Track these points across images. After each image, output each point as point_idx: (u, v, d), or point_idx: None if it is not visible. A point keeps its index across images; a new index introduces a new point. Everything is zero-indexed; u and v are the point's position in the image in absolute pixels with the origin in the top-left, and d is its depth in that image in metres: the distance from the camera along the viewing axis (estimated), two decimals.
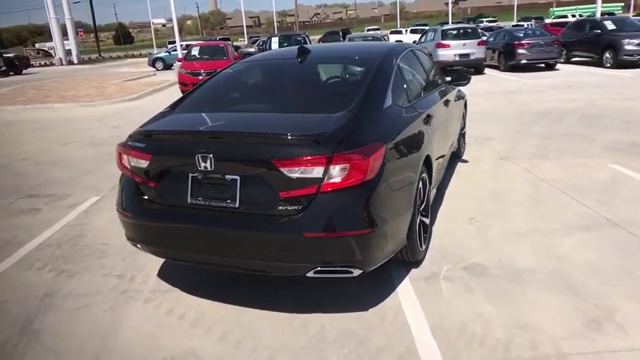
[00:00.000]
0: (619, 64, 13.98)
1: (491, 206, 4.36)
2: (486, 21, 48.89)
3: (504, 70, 15.79)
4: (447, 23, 35.21)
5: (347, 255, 2.49)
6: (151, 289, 3.24)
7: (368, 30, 51.62)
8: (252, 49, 29.43)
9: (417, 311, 2.78)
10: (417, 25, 41.53)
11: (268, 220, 2.53)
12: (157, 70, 27.38)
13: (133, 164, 2.89)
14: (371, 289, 3.04)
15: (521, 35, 15.68)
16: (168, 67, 27.54)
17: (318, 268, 2.52)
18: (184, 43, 23.00)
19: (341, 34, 30.78)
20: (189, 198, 2.70)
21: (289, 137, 2.48)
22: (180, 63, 16.23)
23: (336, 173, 2.42)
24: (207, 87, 3.56)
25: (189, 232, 2.71)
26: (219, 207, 2.63)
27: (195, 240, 2.73)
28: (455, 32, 15.67)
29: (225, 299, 3.05)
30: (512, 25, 29.87)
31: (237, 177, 2.57)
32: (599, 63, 14.83)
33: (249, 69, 3.91)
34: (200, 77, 14.55)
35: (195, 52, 15.91)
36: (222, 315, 2.89)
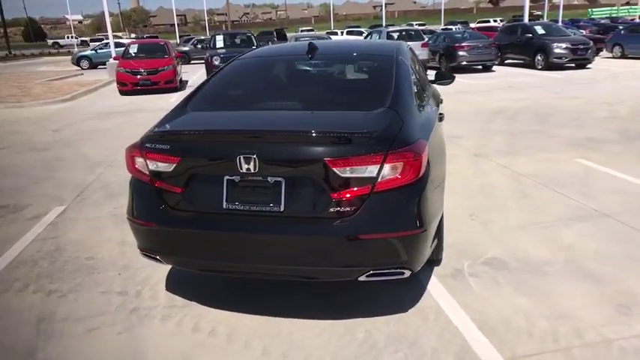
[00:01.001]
0: (549, 67, 15.10)
1: (485, 201, 4.49)
2: (416, 24, 50.79)
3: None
4: (381, 25, 36.19)
5: (400, 256, 2.42)
6: (164, 305, 2.97)
7: (302, 31, 51.79)
8: (185, 48, 28.40)
9: (456, 309, 2.78)
10: (351, 27, 42.29)
11: (318, 223, 2.39)
12: (83, 69, 25.61)
13: (152, 168, 2.61)
14: (402, 290, 2.99)
15: (461, 38, 16.45)
16: (94, 66, 25.88)
17: (371, 272, 2.42)
18: (116, 41, 21.65)
19: (275, 34, 30.46)
20: (224, 203, 2.48)
21: (343, 135, 2.36)
22: (116, 61, 15.26)
23: (391, 172, 2.34)
24: (219, 83, 3.32)
25: (225, 239, 2.51)
26: (261, 212, 2.44)
27: (231, 248, 2.52)
28: (399, 34, 16.12)
29: (251, 310, 2.87)
30: (442, 29, 31.27)
31: (282, 179, 2.40)
32: (531, 65, 15.92)
33: (259, 65, 3.70)
34: (139, 77, 13.82)
35: (133, 50, 15.04)
36: (254, 327, 2.71)
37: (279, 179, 2.40)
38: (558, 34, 15.78)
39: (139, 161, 2.67)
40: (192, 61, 26.70)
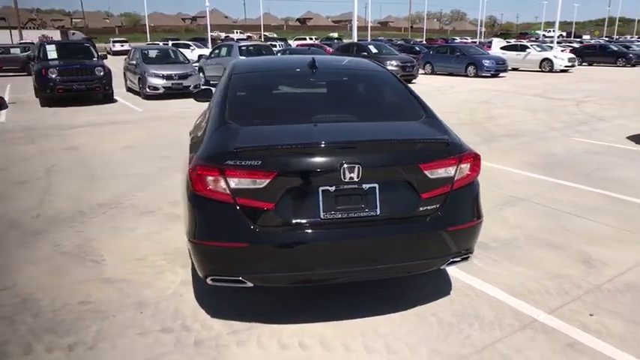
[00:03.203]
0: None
1: None
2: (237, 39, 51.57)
3: None
4: (203, 39, 35.80)
5: (469, 243, 2.85)
6: (227, 332, 2.81)
7: (114, 42, 47.73)
8: None
9: (483, 284, 3.32)
10: (169, 40, 40.87)
11: (412, 221, 2.66)
12: None
13: (235, 186, 2.50)
14: (431, 279, 3.38)
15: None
16: None
17: (450, 260, 2.79)
18: None
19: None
20: (321, 213, 2.55)
21: (431, 142, 2.68)
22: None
23: (462, 171, 2.75)
24: (240, 99, 3.24)
25: (326, 248, 2.57)
26: (359, 217, 2.59)
27: (331, 256, 2.60)
28: (252, 48, 16.45)
29: (316, 317, 2.94)
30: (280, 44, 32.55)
31: (376, 184, 2.59)
32: None
33: (268, 78, 3.66)
34: None
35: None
36: (337, 331, 2.81)
37: (374, 185, 2.59)
38: (388, 53, 18.22)
39: (215, 180, 2.53)
40: None
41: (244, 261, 2.57)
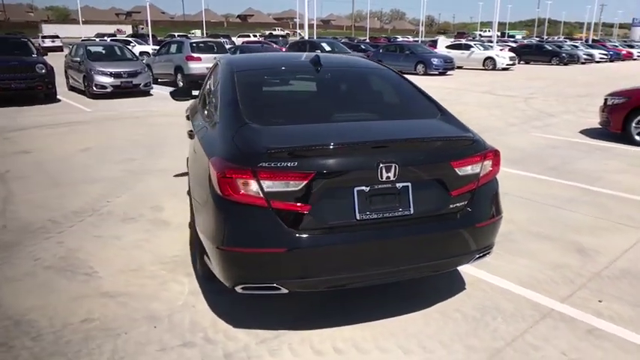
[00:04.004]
0: None
1: None
2: (178, 36, 49.89)
3: None
4: (143, 36, 34.39)
5: (492, 238, 2.90)
6: (255, 342, 2.69)
7: (44, 37, 44.66)
8: None
9: (493, 277, 3.40)
10: (106, 36, 38.87)
11: (443, 219, 2.66)
12: None
13: (269, 189, 2.39)
14: (442, 276, 3.42)
15: (265, 51, 17.35)
16: None
17: (477, 256, 2.83)
18: None
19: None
20: (357, 214, 2.49)
21: (458, 139, 2.70)
22: None
23: (486, 168, 2.79)
24: (253, 98, 3.10)
25: (362, 249, 2.51)
26: (393, 217, 2.55)
27: (368, 257, 2.55)
28: (203, 45, 15.96)
29: (342, 321, 2.89)
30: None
31: (409, 183, 2.57)
32: None
33: (272, 77, 3.52)
34: None
35: None
36: (368, 334, 2.77)
37: (407, 184, 2.57)
38: (341, 51, 18.35)
39: (247, 183, 2.40)
40: None
41: (281, 267, 2.47)
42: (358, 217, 2.51)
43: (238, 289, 2.55)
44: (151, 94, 14.36)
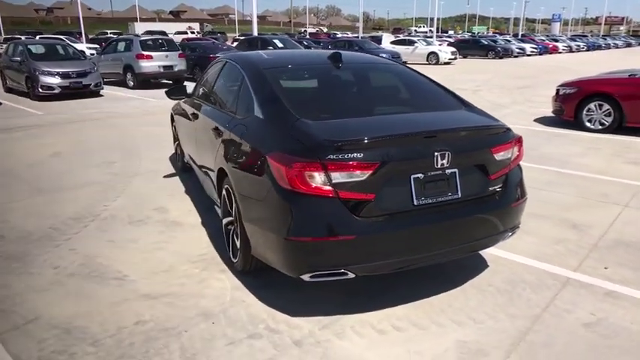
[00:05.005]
0: None
1: None
2: (110, 33, 47.47)
3: None
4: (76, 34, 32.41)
5: (519, 218, 3.19)
6: (319, 328, 2.81)
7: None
8: None
9: (509, 254, 3.71)
10: (33, 34, 36.22)
11: (485, 201, 2.91)
12: None
13: (337, 180, 2.52)
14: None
15: (215, 48, 17.04)
16: None
17: (509, 234, 3.11)
18: None
19: None
20: (414, 200, 2.68)
21: (496, 128, 2.96)
22: None
23: (515, 153, 3.08)
24: (297, 95, 3.20)
25: (420, 233, 2.71)
26: (445, 201, 2.77)
27: (425, 240, 2.74)
28: (152, 43, 15.45)
29: (389, 300, 3.06)
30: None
31: (456, 169, 2.79)
32: None
33: (299, 73, 3.61)
34: None
35: None
36: (418, 311, 2.96)
37: (454, 170, 2.79)
38: (292, 47, 18.40)
39: (316, 175, 2.51)
40: None
41: (350, 253, 2.60)
42: (415, 203, 2.70)
43: (306, 277, 2.66)
44: (102, 95, 13.76)
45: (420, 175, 2.70)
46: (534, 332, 2.77)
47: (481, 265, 3.57)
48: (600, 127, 8.27)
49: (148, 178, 5.86)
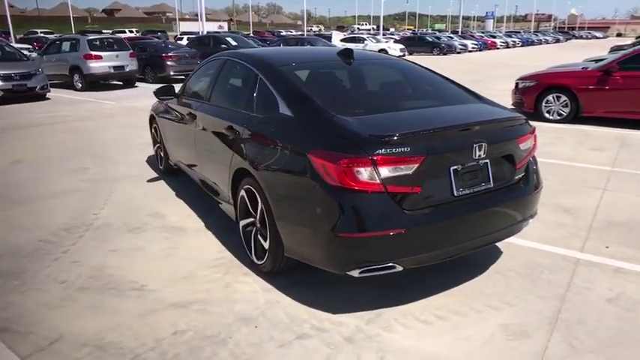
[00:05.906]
0: None
1: None
2: (41, 32, 44.56)
3: (154, 82, 16.20)
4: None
5: (537, 205, 3.34)
6: (365, 323, 2.81)
7: None
8: None
9: (520, 241, 3.86)
10: None
11: (513, 190, 3.03)
12: None
13: (385, 175, 2.53)
14: None
15: (167, 48, 16.44)
16: None
17: (530, 221, 3.25)
18: None
19: None
20: (454, 191, 2.75)
21: (518, 119, 3.10)
22: None
23: (532, 143, 3.23)
24: (323, 92, 3.17)
25: (462, 223, 2.77)
26: (480, 191, 2.85)
27: (465, 229, 2.81)
28: (99, 43, 14.67)
29: (422, 292, 3.12)
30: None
31: (488, 160, 2.88)
32: None
33: (324, 71, 3.55)
34: None
35: None
36: (453, 299, 3.04)
37: (486, 160, 2.89)
38: (247, 46, 18.14)
39: (364, 171, 2.52)
40: None
41: (399, 246, 2.62)
42: (456, 194, 2.77)
43: (355, 273, 2.66)
44: (49, 98, 12.93)
45: (458, 167, 2.77)
46: (566, 311, 2.93)
47: (496, 251, 3.71)
48: (558, 117, 8.82)
49: (131, 184, 5.58)
